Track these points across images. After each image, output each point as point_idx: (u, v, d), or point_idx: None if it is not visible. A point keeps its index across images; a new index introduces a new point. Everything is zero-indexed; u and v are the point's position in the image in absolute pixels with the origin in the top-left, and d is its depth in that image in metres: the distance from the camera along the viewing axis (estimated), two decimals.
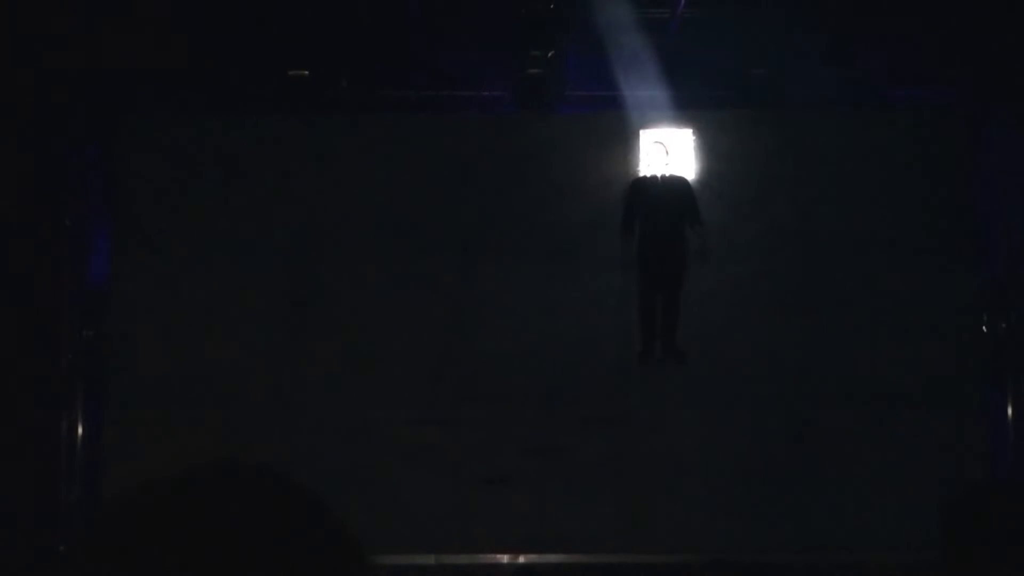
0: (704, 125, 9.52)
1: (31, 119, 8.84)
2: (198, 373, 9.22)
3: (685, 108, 9.43)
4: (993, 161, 9.32)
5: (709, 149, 9.50)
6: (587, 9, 8.69)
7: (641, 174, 9.22)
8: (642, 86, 9.11)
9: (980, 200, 9.38)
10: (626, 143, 9.47)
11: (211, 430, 8.92)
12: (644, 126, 9.44)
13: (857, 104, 9.41)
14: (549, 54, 9.01)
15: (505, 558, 9.08)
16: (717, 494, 9.11)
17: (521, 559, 9.08)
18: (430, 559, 8.99)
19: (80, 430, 9.13)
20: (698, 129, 9.50)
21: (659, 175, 9.14)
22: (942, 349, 9.21)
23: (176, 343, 9.30)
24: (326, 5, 8.73)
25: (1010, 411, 9.13)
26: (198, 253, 9.39)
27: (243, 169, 9.49)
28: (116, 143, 9.53)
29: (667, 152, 9.18)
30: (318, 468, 8.39)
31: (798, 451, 9.10)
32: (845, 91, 9.23)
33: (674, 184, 9.12)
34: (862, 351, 9.22)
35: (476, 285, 9.39)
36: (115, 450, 9.03)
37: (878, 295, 9.28)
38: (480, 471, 9.17)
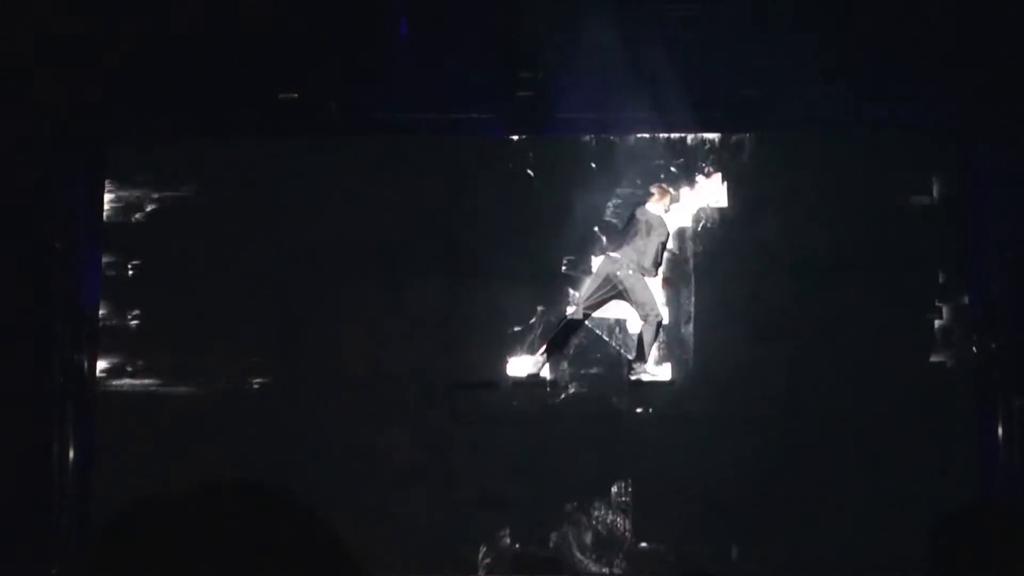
0: (693, 146, 9.54)
1: (20, 144, 8.83)
2: (190, 395, 9.22)
3: (675, 129, 9.48)
4: (982, 182, 9.34)
5: (698, 171, 9.52)
6: (577, 31, 8.70)
7: (642, 208, 9.31)
8: (632, 108, 9.14)
9: (970, 220, 9.40)
10: (616, 166, 9.49)
11: (204, 452, 8.90)
12: (636, 148, 9.49)
13: (847, 125, 9.43)
14: (539, 76, 9.02)
15: None
16: (707, 516, 9.10)
17: None
18: None
19: (71, 454, 9.11)
20: (687, 151, 9.53)
21: (650, 214, 9.24)
22: (932, 370, 9.24)
23: (167, 365, 9.30)
24: (315, 28, 8.75)
25: (1000, 432, 9.14)
26: (188, 276, 9.39)
27: (233, 192, 9.50)
28: (105, 167, 9.53)
29: (671, 197, 9.31)
30: (310, 489, 8.36)
31: (787, 472, 9.11)
32: (835, 112, 9.25)
33: (654, 225, 9.22)
34: (851, 372, 9.23)
35: (466, 307, 9.39)
36: (106, 473, 9.01)
37: (867, 316, 9.29)
38: (473, 492, 9.16)
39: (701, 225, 9.43)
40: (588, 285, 9.28)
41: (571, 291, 9.38)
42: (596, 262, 9.31)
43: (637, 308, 9.23)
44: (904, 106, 9.28)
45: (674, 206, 9.35)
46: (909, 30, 8.65)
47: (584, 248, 9.40)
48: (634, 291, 9.21)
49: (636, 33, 8.81)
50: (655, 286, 9.31)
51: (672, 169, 9.50)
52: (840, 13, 8.66)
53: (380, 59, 8.96)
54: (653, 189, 9.34)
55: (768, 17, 8.62)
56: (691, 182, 9.49)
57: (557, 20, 8.68)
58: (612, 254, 9.26)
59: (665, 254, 9.36)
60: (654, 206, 9.31)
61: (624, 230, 9.29)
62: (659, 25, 8.82)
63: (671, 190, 9.35)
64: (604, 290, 9.22)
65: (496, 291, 9.38)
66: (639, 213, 9.30)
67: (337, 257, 9.41)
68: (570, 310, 9.28)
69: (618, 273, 9.20)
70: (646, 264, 9.23)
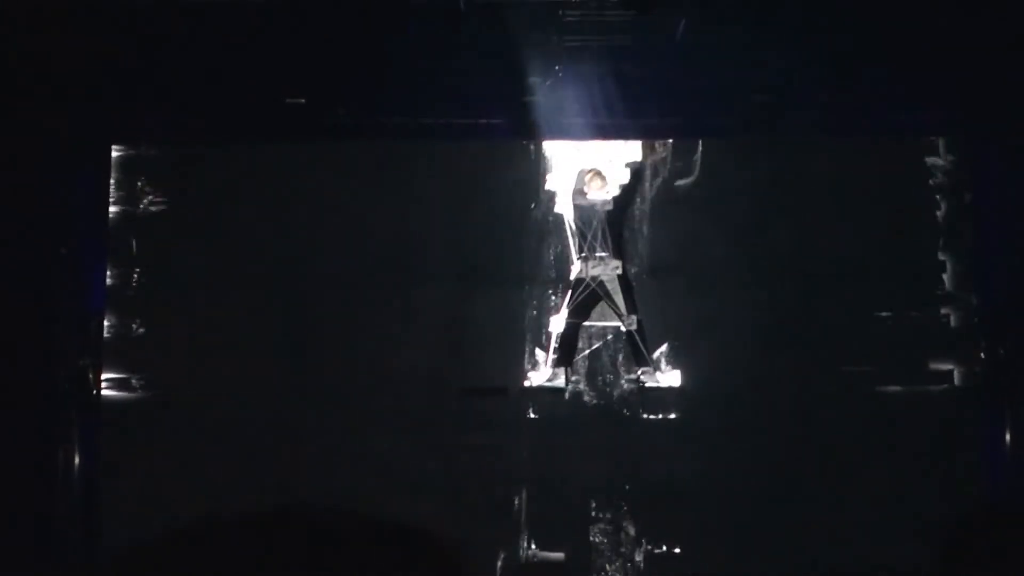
0: (704, 152, 9.54)
1: (26, 148, 8.84)
2: (195, 402, 9.21)
3: (685, 135, 9.48)
4: (991, 186, 9.33)
5: (708, 176, 9.52)
6: (586, 36, 8.70)
7: (579, 201, 9.24)
8: (642, 113, 9.13)
9: (978, 226, 9.39)
10: (625, 170, 9.49)
11: (209, 460, 8.89)
12: (642, 152, 9.49)
13: (856, 131, 9.42)
14: (547, 82, 9.02)
15: None
16: (714, 521, 9.10)
17: None
18: None
19: (76, 460, 9.10)
20: (700, 155, 9.53)
21: (596, 201, 9.17)
22: (939, 376, 9.23)
23: (172, 371, 9.29)
24: (323, 32, 8.74)
25: (1008, 438, 9.12)
26: (194, 281, 9.39)
27: (239, 197, 9.49)
28: (111, 172, 9.53)
29: (604, 179, 9.22)
30: (318, 496, 8.37)
31: (794, 478, 9.09)
32: (845, 118, 9.24)
33: (607, 211, 9.18)
34: (858, 379, 9.22)
35: (475, 312, 9.38)
36: (112, 479, 9.00)
37: (875, 322, 9.28)
38: (479, 500, 9.15)
39: (712, 231, 9.42)
40: (571, 289, 9.15)
41: (554, 298, 9.36)
42: (577, 267, 9.19)
43: (618, 309, 9.12)
44: (912, 110, 9.27)
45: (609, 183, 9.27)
46: (917, 33, 8.64)
47: None
48: (616, 293, 9.12)
49: (646, 38, 8.81)
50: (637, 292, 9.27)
51: (678, 174, 9.50)
52: (846, 18, 8.65)
53: (388, 64, 8.96)
54: (587, 177, 9.23)
55: (776, 23, 8.61)
56: (702, 186, 9.50)
57: (565, 24, 8.68)
58: (598, 255, 9.14)
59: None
60: (597, 193, 9.21)
61: (589, 230, 9.17)
62: (669, 30, 8.81)
63: (600, 170, 9.28)
64: (587, 292, 9.10)
65: (506, 296, 9.37)
66: (583, 202, 9.20)
67: (344, 262, 9.40)
68: (555, 319, 9.23)
69: (609, 273, 9.10)
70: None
